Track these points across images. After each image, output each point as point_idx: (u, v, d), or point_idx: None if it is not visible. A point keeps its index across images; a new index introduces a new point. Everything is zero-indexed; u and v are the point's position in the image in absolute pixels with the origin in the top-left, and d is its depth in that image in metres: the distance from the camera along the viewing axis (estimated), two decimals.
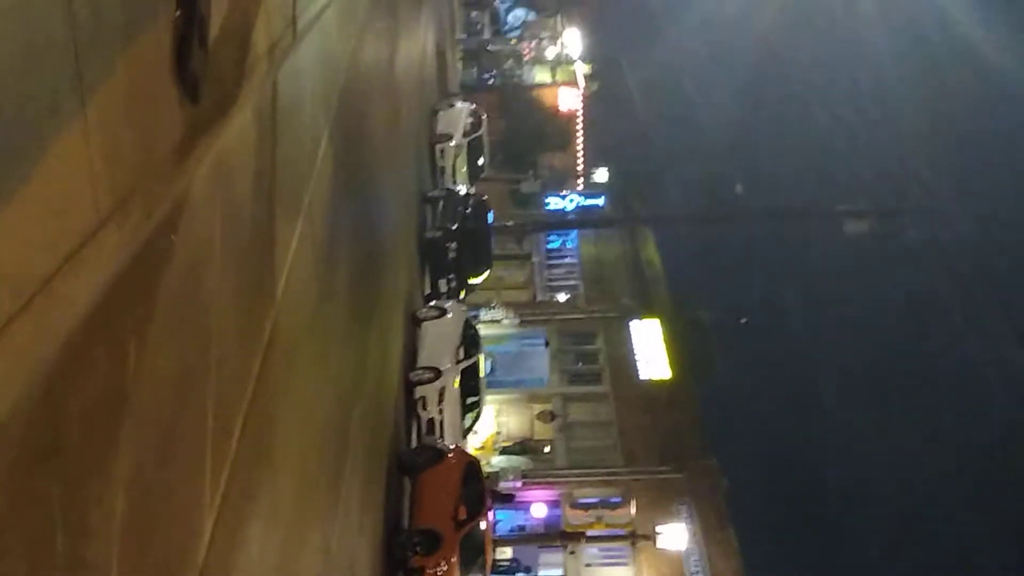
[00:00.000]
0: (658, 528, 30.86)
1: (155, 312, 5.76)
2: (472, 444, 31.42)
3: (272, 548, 9.16)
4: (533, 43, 58.44)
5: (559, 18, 59.00)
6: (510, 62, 57.72)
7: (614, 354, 39.87)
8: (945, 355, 58.37)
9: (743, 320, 55.86)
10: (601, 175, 53.73)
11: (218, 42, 6.81)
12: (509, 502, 31.07)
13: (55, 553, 4.40)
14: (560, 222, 50.00)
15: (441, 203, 30.02)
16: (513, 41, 59.36)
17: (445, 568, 19.81)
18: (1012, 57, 61.32)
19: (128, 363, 5.27)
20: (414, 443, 23.63)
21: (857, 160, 66.13)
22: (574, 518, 33.05)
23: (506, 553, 32.02)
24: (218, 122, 7.10)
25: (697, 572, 31.53)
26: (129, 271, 5.19)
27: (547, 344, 40.44)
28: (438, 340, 25.01)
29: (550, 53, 57.49)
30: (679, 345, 39.35)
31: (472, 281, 30.86)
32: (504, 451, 36.73)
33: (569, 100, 53.76)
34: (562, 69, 56.02)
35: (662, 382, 37.94)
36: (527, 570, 32.72)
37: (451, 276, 29.19)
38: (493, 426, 36.94)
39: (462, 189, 32.09)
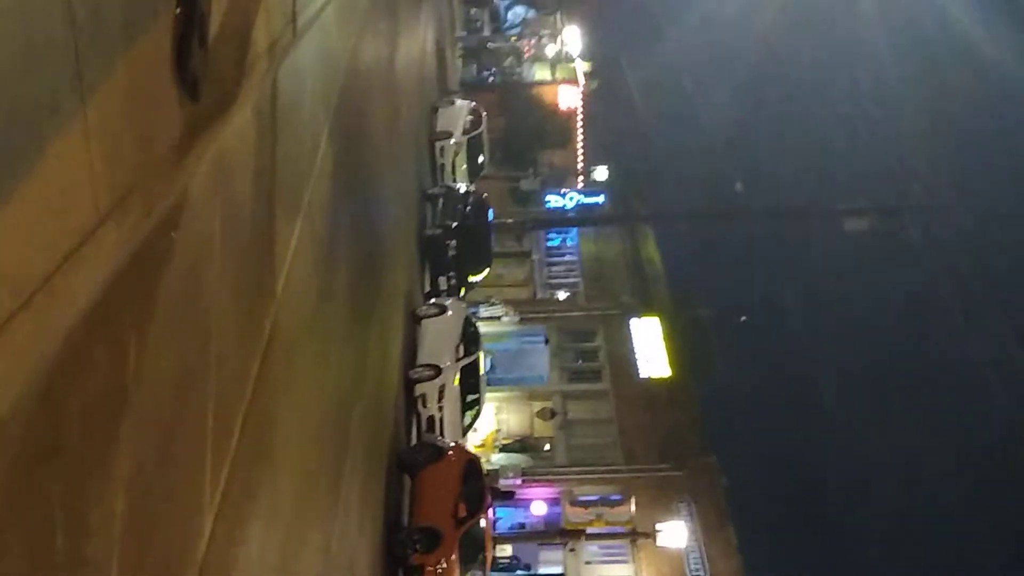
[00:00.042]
0: (658, 526, 30.91)
1: (155, 310, 5.76)
2: (472, 442, 31.42)
3: (272, 547, 9.17)
4: (533, 41, 58.40)
5: (559, 16, 58.97)
6: (510, 60, 57.68)
7: (614, 352, 39.90)
8: (945, 354, 58.39)
9: (743, 319, 55.89)
10: (601, 173, 53.74)
11: (218, 41, 6.81)
12: (509, 500, 31.10)
13: (55, 552, 4.40)
14: (560, 220, 50.00)
15: (441, 201, 30.01)
16: (513, 39, 59.32)
17: (445, 566, 19.83)
18: (1012, 55, 61.32)
19: (128, 361, 5.27)
20: (414, 441, 23.64)
21: (857, 159, 66.16)
22: (574, 516, 33.09)
23: (506, 551, 32.05)
24: (218, 121, 7.10)
25: (697, 570, 31.56)
26: (129, 269, 5.20)
27: (547, 342, 40.46)
28: (438, 338, 25.02)
29: (550, 51, 57.45)
30: (679, 343, 39.38)
31: (472, 279, 30.86)
32: (504, 449, 36.76)
33: (569, 98, 53.73)
34: (562, 67, 55.98)
35: (662, 380, 37.96)
36: (527, 568, 32.76)
37: (451, 274, 29.19)
38: (493, 424, 36.98)
39: (462, 187, 32.08)
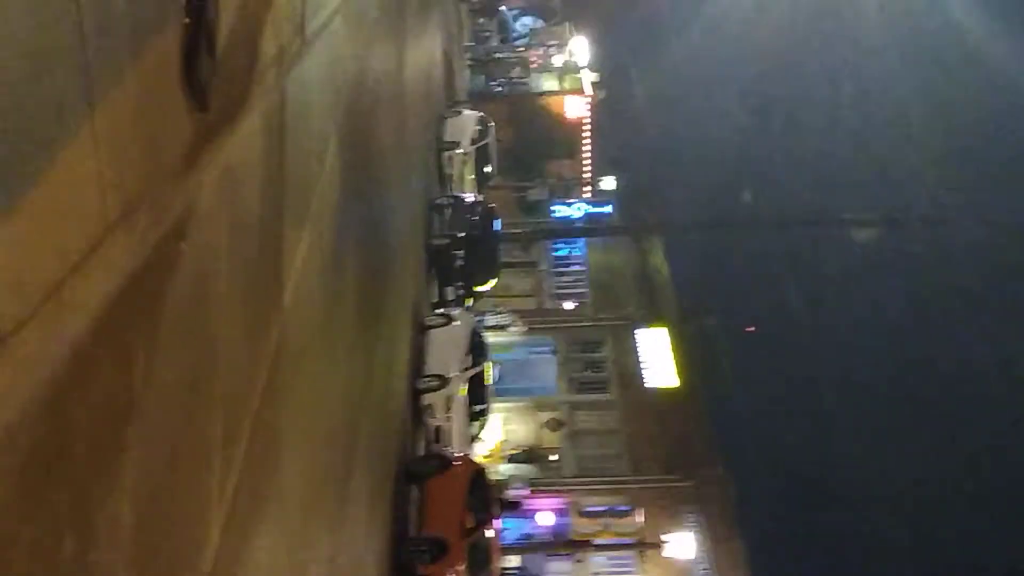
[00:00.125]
0: (666, 537, 30.83)
1: (163, 320, 5.75)
2: (479, 452, 31.38)
3: (279, 556, 9.14)
4: (541, 51, 58.50)
5: (567, 26, 59.07)
6: (518, 70, 57.77)
7: (622, 362, 39.87)
8: (955, 362, 58.19)
9: (750, 329, 55.80)
10: (608, 183, 53.77)
11: (227, 49, 6.81)
12: (516, 510, 31.03)
13: (62, 560, 4.38)
14: (567, 230, 50.01)
15: (448, 210, 30.01)
16: (521, 49, 59.43)
17: None
18: (1021, 64, 61.23)
19: (136, 370, 5.26)
20: (421, 451, 23.60)
21: (865, 168, 66.11)
22: (581, 526, 33.03)
23: (513, 561, 31.97)
24: (226, 130, 7.10)
25: None
26: (137, 278, 5.18)
27: (554, 352, 40.41)
28: (445, 348, 24.98)
29: (558, 61, 57.54)
30: (687, 353, 39.32)
31: (479, 289, 30.85)
32: (511, 459, 36.69)
33: (576, 108, 53.80)
34: (570, 77, 56.06)
35: (670, 390, 37.90)
36: None
37: (458, 284, 29.18)
38: (500, 434, 36.92)
39: (469, 196, 32.09)
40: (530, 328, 40.63)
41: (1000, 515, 51.48)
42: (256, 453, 8.00)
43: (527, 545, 33.34)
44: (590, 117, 53.72)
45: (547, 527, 33.30)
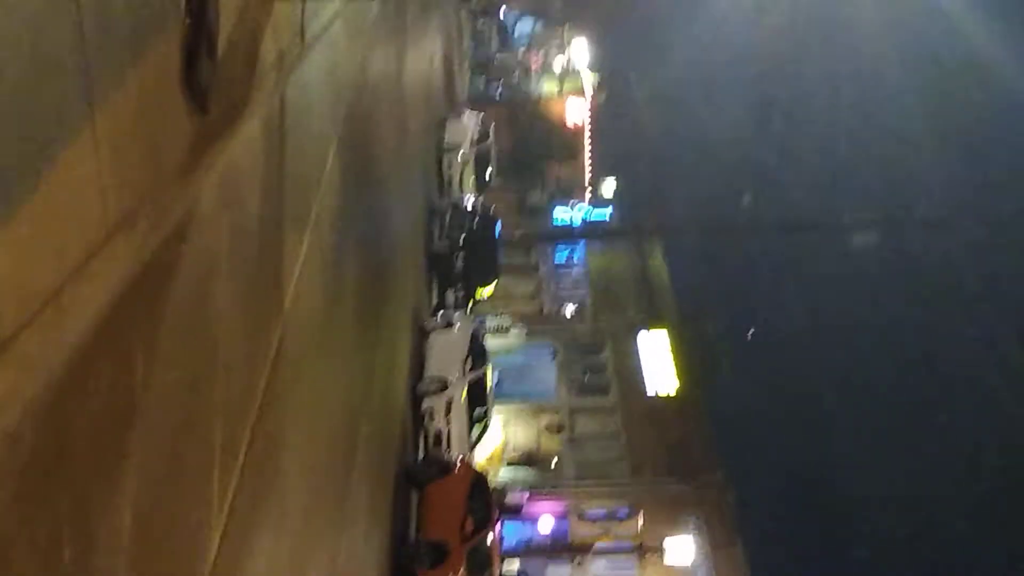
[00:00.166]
0: (666, 541, 30.80)
1: (163, 324, 5.73)
2: (479, 456, 31.34)
3: (279, 561, 9.12)
4: (540, 54, 58.54)
5: (567, 29, 59.11)
6: (517, 72, 57.81)
7: (622, 366, 39.87)
8: (957, 367, 58.15)
9: (750, 331, 55.78)
10: (608, 186, 53.77)
11: (227, 53, 6.80)
12: (516, 514, 31.00)
13: (63, 565, 4.36)
14: (568, 233, 50.04)
15: (448, 214, 29.99)
16: (521, 51, 59.47)
17: None
18: (1020, 67, 61.26)
19: (136, 375, 5.24)
20: (421, 455, 23.57)
21: (865, 171, 66.12)
22: (581, 531, 32.99)
23: (513, 565, 31.91)
24: (226, 133, 7.09)
25: None
26: (137, 282, 5.17)
27: (554, 356, 40.39)
28: (445, 352, 24.94)
29: (558, 64, 57.59)
30: (687, 357, 39.31)
31: (480, 291, 30.83)
32: (511, 463, 36.66)
33: (576, 111, 53.82)
34: (570, 80, 56.09)
35: (669, 394, 37.88)
36: None
37: (458, 287, 29.16)
38: (500, 438, 36.86)
39: (469, 200, 32.07)
40: (530, 331, 40.63)
41: (1001, 518, 51.39)
42: (256, 457, 7.98)
43: (527, 549, 33.30)
44: (590, 120, 53.73)
45: (547, 531, 33.28)
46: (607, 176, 54.08)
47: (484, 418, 26.86)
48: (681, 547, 30.71)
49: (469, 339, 25.85)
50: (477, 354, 25.94)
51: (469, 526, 21.05)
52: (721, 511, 33.22)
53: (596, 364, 41.25)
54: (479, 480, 22.83)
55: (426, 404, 23.82)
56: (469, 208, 30.92)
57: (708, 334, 44.72)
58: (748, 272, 59.71)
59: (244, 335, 7.88)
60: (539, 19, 61.98)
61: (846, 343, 59.92)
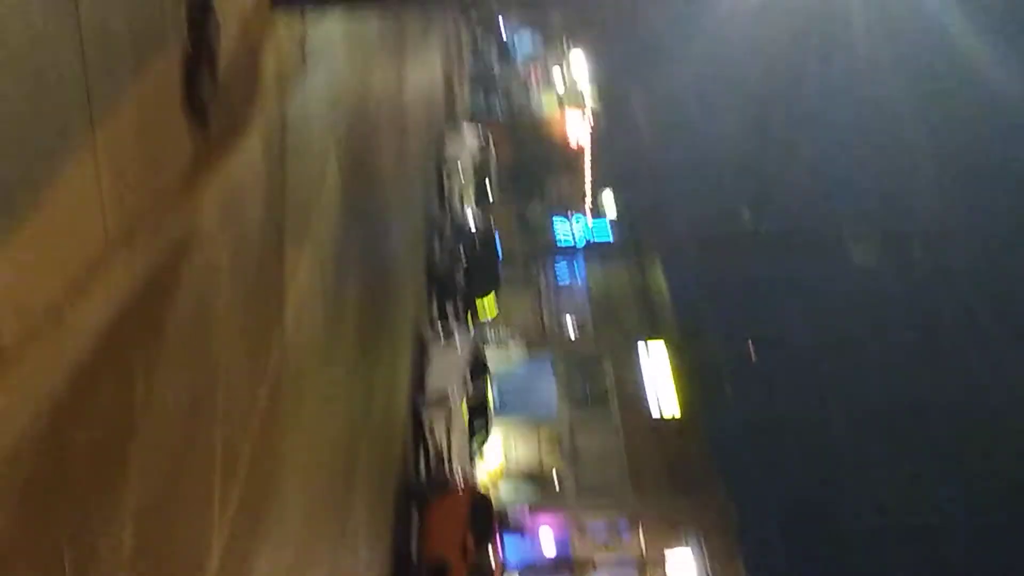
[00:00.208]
0: (666, 557, 30.69)
1: (163, 340, 5.72)
2: (479, 471, 31.27)
3: None
4: (539, 67, 58.67)
5: (566, 42, 59.25)
6: (517, 87, 57.94)
7: (622, 381, 39.78)
8: (959, 381, 57.97)
9: (750, 344, 55.67)
10: (608, 200, 53.79)
11: (228, 69, 6.81)
12: (517, 530, 30.91)
13: None
14: (567, 248, 50.06)
15: (448, 227, 30.03)
16: (520, 66, 59.60)
17: None
18: (1020, 82, 61.36)
19: (136, 392, 5.22)
20: (421, 470, 23.50)
21: (864, 186, 66.17)
22: (582, 546, 32.88)
23: None
24: (227, 149, 7.09)
25: None
26: (138, 298, 5.16)
27: (554, 370, 40.34)
28: (446, 366, 24.90)
29: (557, 77, 57.70)
30: (687, 373, 39.25)
31: (482, 308, 30.82)
32: (511, 478, 36.56)
33: (576, 125, 53.88)
34: (569, 93, 56.17)
35: (670, 409, 37.81)
36: None
37: (458, 301, 29.14)
38: (500, 453, 36.78)
39: (469, 213, 32.10)
40: (530, 346, 40.57)
41: (1008, 541, 51.10)
42: (257, 474, 7.95)
43: (528, 565, 33.20)
44: (589, 134, 53.80)
45: (548, 547, 33.18)
46: (606, 190, 54.12)
47: (484, 433, 26.83)
48: (682, 563, 30.63)
49: (469, 353, 25.82)
50: (477, 368, 25.91)
51: (470, 542, 20.98)
52: (722, 527, 33.12)
53: (596, 379, 41.18)
54: (480, 496, 22.76)
55: (426, 418, 23.77)
56: (469, 222, 30.95)
57: (708, 349, 44.64)
58: (749, 287, 59.63)
59: (244, 351, 7.86)
60: (539, 34, 62.13)
61: (847, 357, 59.79)
